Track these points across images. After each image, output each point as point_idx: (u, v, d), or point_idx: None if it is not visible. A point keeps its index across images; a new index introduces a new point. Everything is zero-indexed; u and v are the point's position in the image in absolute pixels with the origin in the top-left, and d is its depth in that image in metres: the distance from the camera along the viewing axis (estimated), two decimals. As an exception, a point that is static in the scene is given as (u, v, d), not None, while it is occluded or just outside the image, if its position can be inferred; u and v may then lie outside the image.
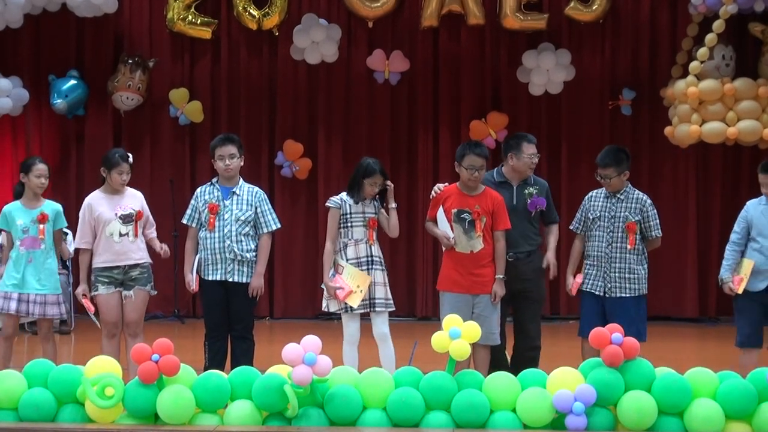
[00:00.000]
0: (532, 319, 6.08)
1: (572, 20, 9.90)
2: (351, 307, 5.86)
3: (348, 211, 5.94)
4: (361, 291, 5.84)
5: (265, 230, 6.05)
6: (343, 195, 6.00)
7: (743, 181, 9.77)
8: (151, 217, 6.29)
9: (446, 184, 6.08)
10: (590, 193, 6.07)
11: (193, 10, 9.95)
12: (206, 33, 10.05)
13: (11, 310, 6.12)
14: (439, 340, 4.54)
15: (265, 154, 10.43)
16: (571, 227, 6.11)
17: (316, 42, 9.95)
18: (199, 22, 10.00)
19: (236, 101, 10.44)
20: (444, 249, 5.94)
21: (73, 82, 10.13)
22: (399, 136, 10.38)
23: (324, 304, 6.03)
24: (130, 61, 10.09)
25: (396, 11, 9.97)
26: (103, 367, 4.52)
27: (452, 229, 5.78)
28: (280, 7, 9.83)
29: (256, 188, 6.16)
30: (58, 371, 4.57)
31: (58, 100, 10.00)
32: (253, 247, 6.03)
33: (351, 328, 5.91)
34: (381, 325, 5.93)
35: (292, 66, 10.29)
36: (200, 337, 6.22)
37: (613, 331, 4.44)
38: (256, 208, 6.04)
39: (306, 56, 10.06)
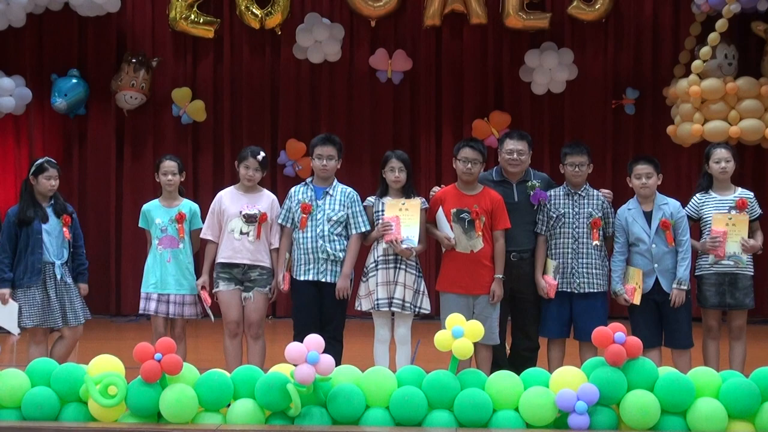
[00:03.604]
0: (534, 320, 6.03)
1: (575, 19, 9.89)
2: (378, 304, 5.79)
3: (379, 209, 5.91)
4: (406, 209, 5.76)
5: (354, 231, 5.93)
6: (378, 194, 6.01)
7: (746, 180, 9.73)
8: (277, 225, 6.04)
9: (443, 186, 6.08)
10: (548, 193, 6.02)
11: (195, 9, 9.95)
12: (209, 32, 10.05)
13: (150, 311, 6.07)
14: (442, 338, 4.54)
15: (268, 154, 10.32)
16: (535, 230, 6.01)
17: (319, 41, 9.96)
18: (201, 21, 10.00)
19: (239, 100, 10.44)
20: (444, 250, 5.93)
21: (73, 81, 10.14)
22: (401, 135, 10.37)
23: (357, 303, 5.99)
24: (133, 60, 10.10)
25: (399, 10, 9.96)
26: (106, 365, 4.52)
27: (452, 229, 5.78)
28: (283, 6, 9.82)
29: (350, 189, 6.04)
30: (61, 370, 4.58)
31: (59, 100, 10.01)
32: (346, 247, 5.95)
33: (381, 327, 5.88)
34: (399, 328, 5.88)
35: (294, 65, 10.29)
36: (201, 336, 6.20)
37: (616, 330, 4.45)
38: (348, 208, 5.95)
39: (309, 55, 10.06)
